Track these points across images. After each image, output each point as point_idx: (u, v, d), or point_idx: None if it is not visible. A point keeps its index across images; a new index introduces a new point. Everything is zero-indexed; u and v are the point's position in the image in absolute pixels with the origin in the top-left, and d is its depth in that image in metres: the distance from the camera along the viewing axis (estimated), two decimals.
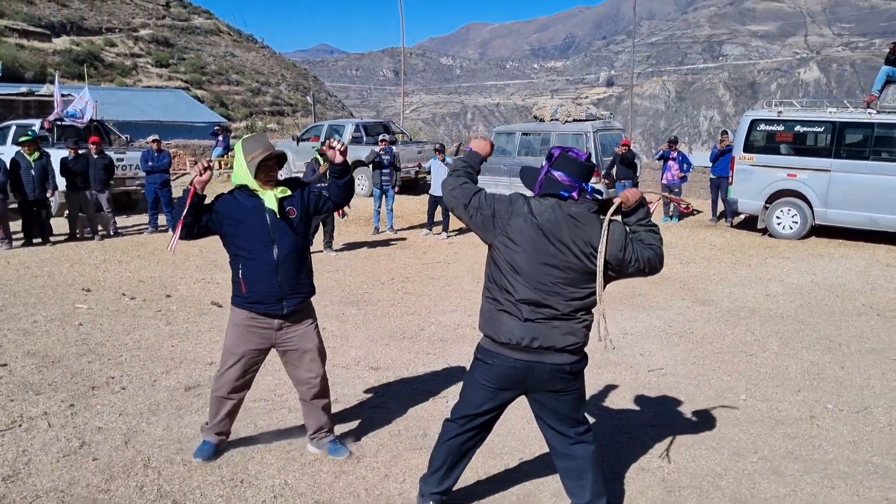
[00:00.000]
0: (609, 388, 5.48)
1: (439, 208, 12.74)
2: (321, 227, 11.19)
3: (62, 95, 15.98)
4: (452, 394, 5.27)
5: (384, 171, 12.73)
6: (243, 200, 3.88)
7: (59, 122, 15.35)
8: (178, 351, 6.22)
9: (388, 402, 5.13)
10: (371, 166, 13.02)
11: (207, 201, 3.89)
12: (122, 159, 14.63)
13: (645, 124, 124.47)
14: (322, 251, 11.21)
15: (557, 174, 3.28)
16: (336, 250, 11.44)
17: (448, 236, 12.75)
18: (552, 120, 15.36)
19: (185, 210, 3.73)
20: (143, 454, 4.20)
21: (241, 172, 3.85)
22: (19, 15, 50.03)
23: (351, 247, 12.04)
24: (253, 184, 3.84)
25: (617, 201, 3.33)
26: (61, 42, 50.16)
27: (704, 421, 4.88)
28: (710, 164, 14.11)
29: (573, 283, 3.25)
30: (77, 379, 5.45)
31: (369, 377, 5.69)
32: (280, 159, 3.90)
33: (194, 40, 66.63)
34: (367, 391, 5.36)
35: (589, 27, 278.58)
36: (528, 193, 3.43)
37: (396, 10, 25.53)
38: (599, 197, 3.39)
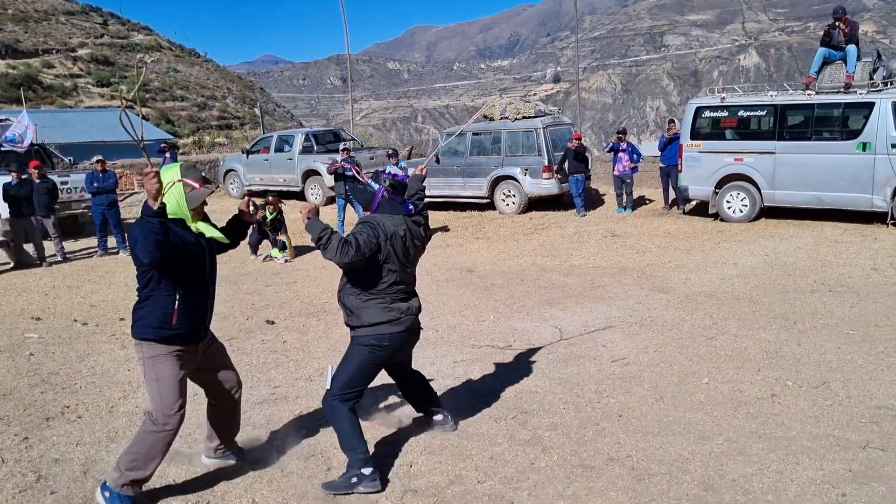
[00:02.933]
0: (574, 381, 5.50)
1: None
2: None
3: (0, 121, 15.52)
4: None
5: (348, 180, 12.52)
6: (181, 232, 3.72)
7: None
8: (134, 375, 6.06)
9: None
10: (333, 176, 12.80)
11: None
12: (66, 182, 14.27)
13: (594, 118, 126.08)
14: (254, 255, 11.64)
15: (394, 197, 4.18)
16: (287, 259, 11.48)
17: None
18: (502, 118, 15.42)
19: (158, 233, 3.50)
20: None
21: (175, 203, 3.68)
22: None
23: (308, 256, 11.90)
24: (186, 216, 3.74)
25: None
26: None
27: (670, 407, 4.92)
28: (659, 154, 14.31)
29: None
30: (30, 411, 5.27)
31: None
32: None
33: (135, 58, 65.37)
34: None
35: (532, 25, 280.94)
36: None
37: (340, 17, 25.38)
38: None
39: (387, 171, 4.43)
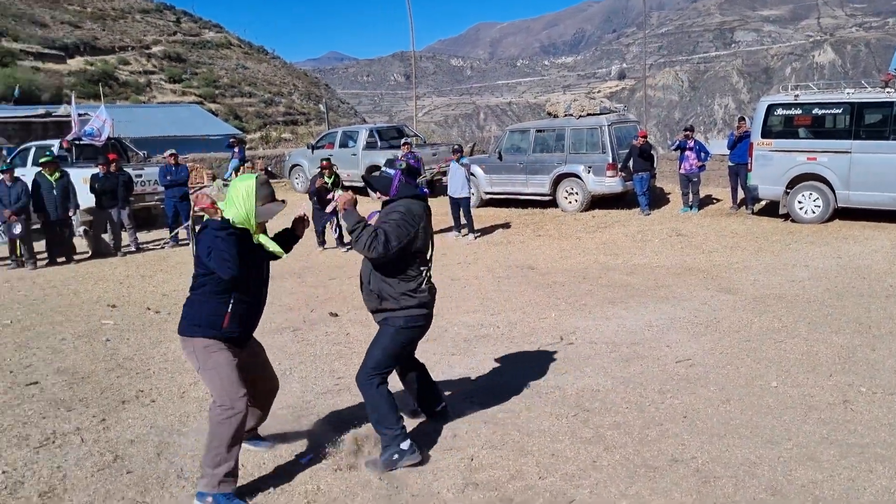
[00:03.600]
0: (637, 381, 5.44)
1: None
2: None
3: (79, 115, 16.17)
4: (480, 393, 5.27)
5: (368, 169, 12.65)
6: (245, 240, 3.81)
7: (77, 142, 15.52)
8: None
9: (415, 405, 5.12)
10: None
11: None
12: (140, 175, 14.77)
13: (659, 115, 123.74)
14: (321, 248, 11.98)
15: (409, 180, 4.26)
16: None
17: (475, 237, 12.71)
18: (566, 115, 15.30)
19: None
20: (176, 465, 4.23)
21: (245, 214, 3.75)
22: (34, 38, 50.69)
23: None
24: (251, 227, 3.82)
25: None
26: (75, 63, 50.74)
27: (737, 410, 4.82)
28: (728, 152, 13.98)
29: None
30: (107, 394, 5.50)
31: (395, 380, 5.66)
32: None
33: (206, 54, 67.13)
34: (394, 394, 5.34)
35: (598, 21, 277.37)
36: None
37: (405, 14, 25.55)
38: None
39: (399, 157, 4.47)
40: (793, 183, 12.16)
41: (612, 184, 14.33)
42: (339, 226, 12.16)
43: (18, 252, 11.47)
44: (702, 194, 14.55)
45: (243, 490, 3.89)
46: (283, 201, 3.98)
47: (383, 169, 4.30)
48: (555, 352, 6.25)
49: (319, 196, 11.73)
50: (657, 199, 15.18)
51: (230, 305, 3.75)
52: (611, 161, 14.20)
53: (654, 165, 14.57)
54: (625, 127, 15.04)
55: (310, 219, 4.23)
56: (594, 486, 3.88)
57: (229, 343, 3.81)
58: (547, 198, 15.12)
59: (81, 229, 12.93)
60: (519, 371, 5.77)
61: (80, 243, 12.57)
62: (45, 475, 4.12)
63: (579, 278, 9.28)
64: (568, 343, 6.50)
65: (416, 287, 4.18)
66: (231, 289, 3.73)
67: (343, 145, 19.07)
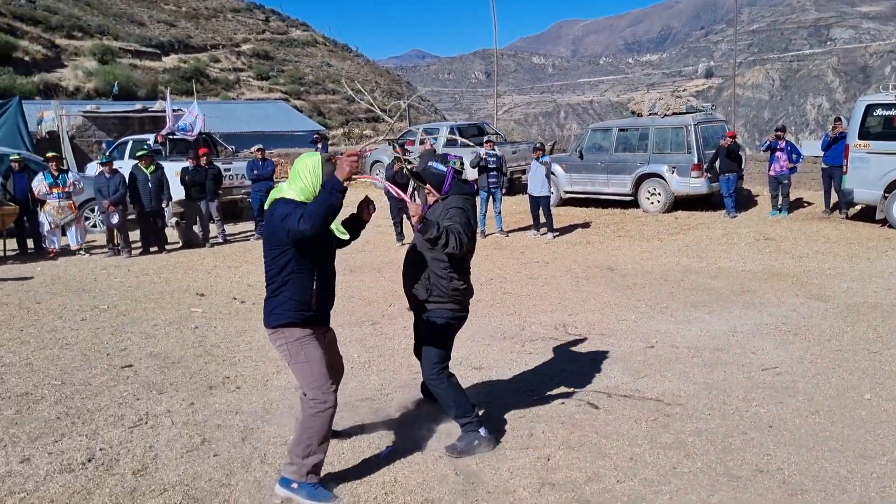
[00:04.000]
0: (720, 387, 5.29)
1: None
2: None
3: (173, 111, 16.83)
4: (557, 394, 5.23)
5: (491, 173, 12.70)
6: None
7: (170, 136, 16.16)
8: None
9: (492, 402, 5.13)
10: (477, 170, 12.99)
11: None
12: (228, 169, 15.26)
13: (748, 115, 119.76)
14: (399, 243, 12.22)
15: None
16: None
17: (555, 236, 12.62)
18: (650, 114, 15.01)
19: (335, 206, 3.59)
20: (260, 451, 4.36)
21: (312, 188, 3.72)
22: (132, 37, 53.03)
23: None
24: None
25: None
26: (170, 60, 52.81)
27: (826, 421, 4.64)
28: (822, 154, 13.42)
29: None
30: (196, 379, 5.71)
31: (472, 377, 5.70)
32: None
33: (292, 52, 68.81)
34: (470, 391, 5.37)
35: (686, 18, 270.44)
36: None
37: (487, 11, 25.54)
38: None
39: (451, 155, 4.42)
40: (891, 187, 11.59)
41: (697, 185, 13.98)
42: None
43: (115, 241, 12.04)
44: (792, 197, 14.03)
45: (323, 479, 3.98)
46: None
47: (432, 164, 4.32)
48: (634, 354, 6.15)
49: (395, 182, 11.93)
50: (744, 202, 14.72)
51: (315, 282, 3.75)
52: (696, 161, 13.85)
53: (742, 166, 14.14)
54: (712, 126, 14.65)
55: (375, 203, 4.16)
56: (674, 492, 3.80)
57: (316, 325, 3.84)
58: (628, 198, 14.87)
59: (173, 220, 13.47)
60: (597, 372, 5.70)
61: (172, 234, 13.10)
62: (139, 454, 4.32)
63: (660, 280, 9.09)
64: (648, 346, 6.38)
65: (464, 278, 4.36)
66: (314, 264, 3.75)
67: (423, 143, 19.21)
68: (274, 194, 3.81)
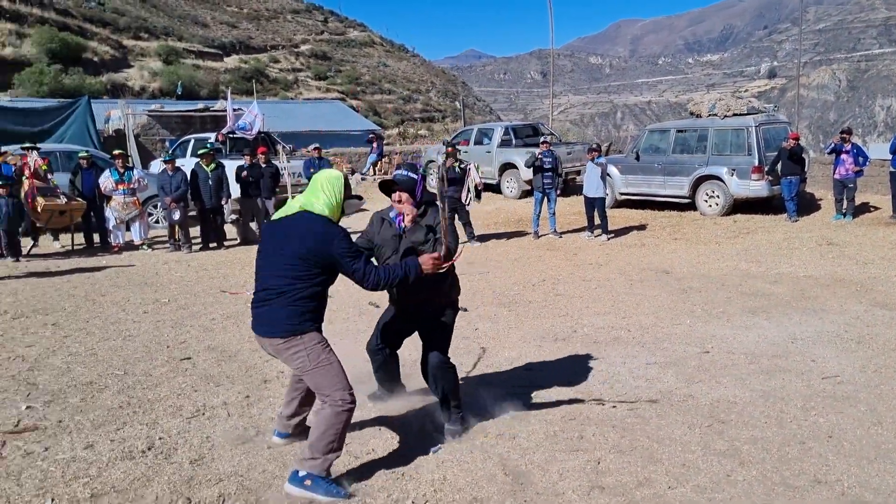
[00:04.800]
0: (778, 395, 5.17)
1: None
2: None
3: (234, 110, 17.21)
4: (609, 396, 5.19)
5: (546, 174, 12.65)
6: None
7: (231, 135, 16.53)
8: (338, 349, 6.41)
9: (542, 404, 5.11)
10: (532, 170, 12.96)
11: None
12: (285, 168, 15.52)
13: (812, 117, 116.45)
14: (467, 242, 12.22)
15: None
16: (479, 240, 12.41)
17: (609, 238, 12.49)
18: (710, 115, 14.73)
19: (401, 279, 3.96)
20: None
21: (336, 204, 3.87)
22: (195, 38, 54.41)
23: (500, 248, 12.12)
24: (338, 218, 3.91)
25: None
26: (231, 61, 54.02)
27: (889, 433, 4.49)
28: (891, 157, 12.97)
29: None
30: (251, 372, 5.84)
31: (522, 378, 5.69)
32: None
33: (350, 53, 69.61)
34: (520, 392, 5.36)
35: (749, 17, 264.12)
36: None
37: (544, 11, 25.41)
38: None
39: (419, 164, 4.58)
40: None
41: (757, 187, 13.65)
42: (468, 223, 12.30)
43: (176, 236, 12.38)
44: (858, 201, 13.59)
45: (374, 475, 4.03)
46: (361, 197, 4.14)
47: (399, 172, 4.40)
48: (689, 359, 6.05)
49: (446, 179, 12.03)
50: (807, 206, 14.33)
51: (327, 292, 3.92)
52: (757, 164, 13.53)
53: (805, 169, 13.76)
54: (774, 128, 14.29)
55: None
56: (727, 500, 3.73)
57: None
58: (685, 200, 14.62)
59: (232, 217, 13.77)
60: (650, 377, 5.63)
61: (231, 230, 13.40)
62: (196, 444, 4.44)
63: (717, 285, 8.92)
64: (703, 351, 6.27)
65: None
66: (330, 279, 3.87)
67: (478, 143, 19.25)
68: (295, 203, 3.87)
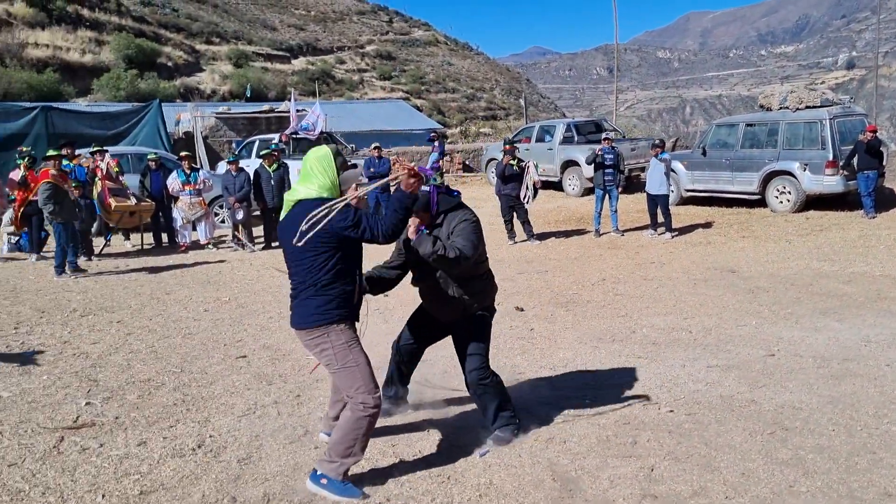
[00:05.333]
0: (848, 401, 4.89)
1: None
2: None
3: (297, 111, 17.48)
4: (666, 400, 5.01)
5: (607, 170, 12.40)
6: None
7: (294, 136, 16.78)
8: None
9: (596, 407, 4.97)
10: (593, 166, 12.74)
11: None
12: None
13: (893, 108, 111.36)
14: (526, 241, 12.20)
15: None
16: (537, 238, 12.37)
17: (673, 236, 12.16)
18: (781, 108, 14.18)
19: (404, 216, 3.73)
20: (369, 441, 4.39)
21: (330, 182, 3.73)
22: (264, 41, 55.62)
23: (560, 247, 11.93)
24: (338, 195, 3.73)
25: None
26: (299, 63, 55.03)
27: None
28: None
29: None
30: (303, 372, 5.86)
31: (577, 380, 5.55)
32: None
33: (414, 52, 70.03)
34: (574, 395, 5.23)
35: (826, 6, 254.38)
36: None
37: (610, 6, 24.97)
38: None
39: (427, 171, 4.09)
40: None
41: (831, 183, 13.07)
42: (526, 221, 12.16)
43: (240, 236, 12.62)
44: None
45: (418, 477, 3.97)
46: (357, 165, 3.94)
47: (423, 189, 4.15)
48: (753, 362, 5.79)
49: (504, 176, 11.95)
50: (885, 201, 13.64)
51: (354, 281, 3.79)
52: (831, 158, 12.96)
53: (883, 163, 13.10)
54: (850, 121, 13.66)
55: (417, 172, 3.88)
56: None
57: (351, 320, 3.83)
58: (755, 196, 14.11)
59: None
60: (711, 380, 5.41)
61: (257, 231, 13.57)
62: (245, 442, 4.46)
63: (787, 284, 8.55)
64: (769, 354, 6.00)
65: (489, 276, 4.51)
66: (356, 262, 3.80)
67: (540, 140, 19.04)
68: (290, 196, 3.79)
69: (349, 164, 3.88)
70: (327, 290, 3.69)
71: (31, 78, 32.47)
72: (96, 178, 12.21)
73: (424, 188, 4.10)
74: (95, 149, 12.76)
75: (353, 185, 3.83)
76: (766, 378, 5.42)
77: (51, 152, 10.56)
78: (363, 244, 3.83)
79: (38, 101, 24.01)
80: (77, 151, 12.65)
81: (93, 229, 12.11)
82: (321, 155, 3.75)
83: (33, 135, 17.07)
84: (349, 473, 3.80)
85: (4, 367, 5.94)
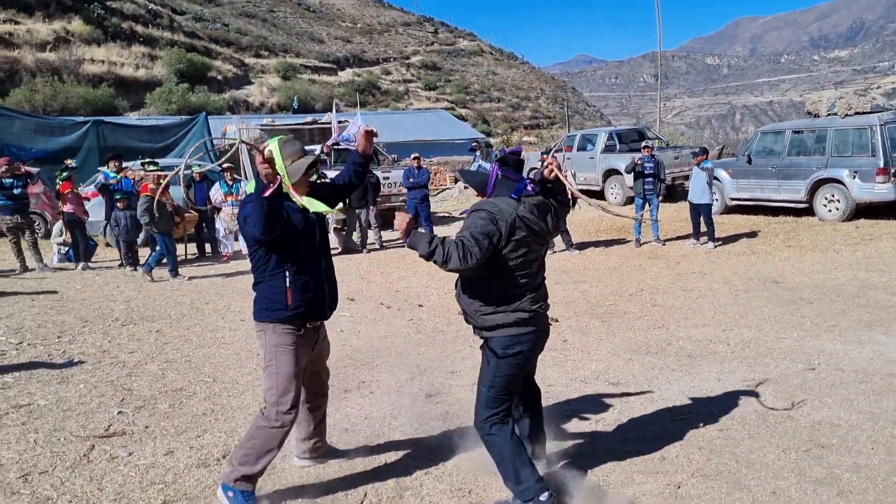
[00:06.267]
0: (890, 418, 4.70)
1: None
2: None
3: (339, 122, 17.64)
4: (697, 414, 4.88)
5: (647, 179, 12.24)
6: (289, 209, 3.62)
7: (336, 147, 16.94)
8: (423, 358, 6.48)
9: (625, 421, 4.87)
10: (633, 175, 12.60)
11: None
12: (387, 177, 15.76)
13: None
14: (564, 250, 12.14)
15: (509, 174, 3.61)
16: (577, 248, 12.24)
17: (715, 246, 11.91)
18: (829, 115, 13.81)
19: (273, 209, 3.42)
20: (384, 458, 4.39)
21: (283, 177, 3.51)
22: (312, 53, 56.54)
23: (599, 257, 11.79)
24: (290, 191, 3.56)
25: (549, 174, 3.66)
26: (345, 75, 55.76)
27: None
28: None
29: None
30: (333, 382, 5.79)
31: (608, 392, 5.45)
32: (314, 165, 3.74)
33: (459, 62, 70.30)
34: (604, 408, 5.14)
35: (881, 9, 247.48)
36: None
37: (655, 13, 24.68)
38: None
39: (503, 149, 3.80)
40: None
41: (882, 191, 12.65)
42: (565, 230, 12.06)
43: None
44: None
45: (440, 487, 3.94)
46: (305, 152, 3.70)
47: (481, 164, 4.01)
48: (792, 376, 5.62)
49: (543, 185, 11.87)
50: None
51: (287, 279, 3.61)
52: (882, 165, 12.55)
53: None
54: None
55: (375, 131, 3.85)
56: None
57: (300, 323, 3.69)
58: (802, 205, 13.75)
59: (334, 227, 14.09)
60: (746, 394, 5.26)
61: (333, 240, 13.70)
62: None
63: (832, 295, 8.29)
64: (809, 368, 5.82)
65: (512, 304, 3.53)
66: (284, 261, 3.62)
67: (581, 149, 18.89)
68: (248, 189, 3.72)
69: (301, 155, 3.66)
70: (266, 288, 3.66)
71: (87, 93, 33.54)
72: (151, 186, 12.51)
73: (485, 165, 3.84)
74: (146, 161, 13.07)
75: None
76: (805, 393, 5.25)
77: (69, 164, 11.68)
78: (296, 242, 3.66)
79: (93, 115, 24.76)
80: (125, 164, 12.97)
81: (138, 239, 12.38)
82: (269, 149, 3.52)
83: (85, 148, 17.62)
84: (251, 484, 3.67)
85: (45, 374, 6.10)
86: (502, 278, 3.51)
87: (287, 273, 3.63)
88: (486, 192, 3.59)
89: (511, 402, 3.66)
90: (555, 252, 12.14)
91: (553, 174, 3.63)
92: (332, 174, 13.69)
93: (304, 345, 3.75)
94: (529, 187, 3.56)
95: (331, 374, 5.37)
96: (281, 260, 3.63)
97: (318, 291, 3.74)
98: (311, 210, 3.64)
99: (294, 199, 3.59)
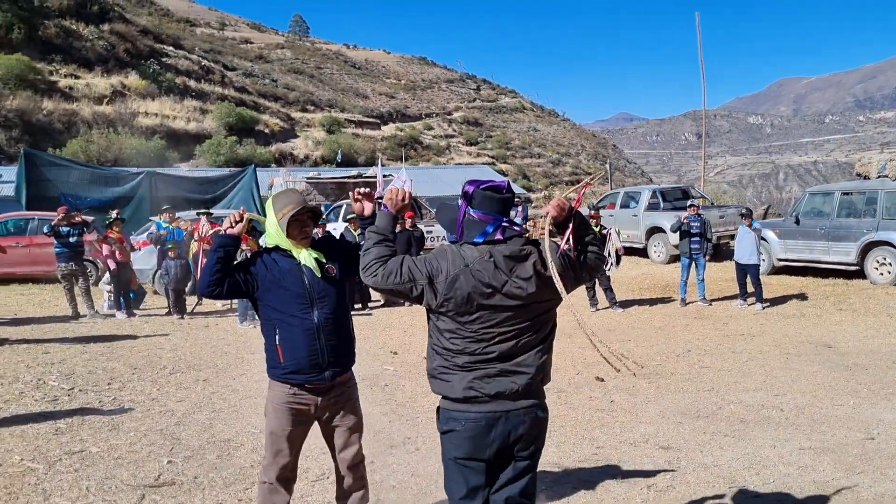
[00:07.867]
0: None
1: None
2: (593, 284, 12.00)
3: (384, 176, 17.96)
4: (752, 482, 4.75)
5: (693, 238, 12.15)
6: (279, 261, 3.52)
7: (380, 200, 17.19)
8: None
9: (678, 487, 4.75)
10: (679, 234, 12.53)
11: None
12: (430, 231, 15.90)
13: None
14: (608, 308, 12.06)
15: (476, 214, 2.87)
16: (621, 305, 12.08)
17: (764, 307, 11.70)
18: (879, 176, 13.63)
19: (212, 264, 3.41)
20: None
21: (273, 231, 3.49)
22: (356, 108, 57.77)
23: (644, 315, 11.65)
24: (285, 243, 3.49)
25: (549, 216, 2.94)
26: (388, 129, 56.76)
27: None
28: None
29: None
30: (378, 437, 5.86)
31: (658, 457, 5.34)
32: (315, 214, 3.59)
33: (500, 118, 71.21)
34: (654, 473, 5.02)
35: None
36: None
37: (698, 72, 24.82)
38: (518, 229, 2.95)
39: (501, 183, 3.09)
40: None
41: None
42: (609, 288, 12.00)
43: None
44: None
45: None
46: (308, 204, 3.59)
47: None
48: (850, 446, 5.44)
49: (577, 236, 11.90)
50: None
51: (276, 337, 3.46)
52: None
53: None
54: None
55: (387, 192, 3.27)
56: None
57: (297, 386, 3.51)
58: (853, 267, 13.47)
59: None
60: (803, 463, 5.10)
61: (375, 293, 13.78)
62: None
63: (888, 362, 8.06)
64: (868, 437, 5.63)
65: (459, 373, 2.86)
66: (270, 317, 3.50)
67: (624, 206, 18.85)
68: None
69: (300, 204, 3.52)
70: (265, 343, 3.55)
71: (140, 144, 34.62)
72: (193, 240, 12.80)
73: (518, 220, 3.46)
74: (202, 211, 13.41)
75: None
76: (865, 464, 5.07)
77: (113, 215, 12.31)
78: (281, 296, 3.51)
79: (145, 166, 25.50)
80: (177, 214, 13.32)
81: (187, 288, 12.61)
82: (267, 203, 3.49)
83: (138, 197, 18.18)
84: None
85: (96, 421, 6.18)
86: (453, 337, 2.87)
87: (276, 328, 3.48)
88: (457, 235, 2.98)
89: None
90: (598, 310, 12.05)
91: (560, 213, 2.94)
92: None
93: (298, 407, 3.53)
94: (499, 234, 2.85)
95: (378, 428, 5.34)
96: (269, 314, 3.51)
97: (311, 352, 3.48)
98: (303, 262, 3.52)
99: (293, 253, 3.52)
